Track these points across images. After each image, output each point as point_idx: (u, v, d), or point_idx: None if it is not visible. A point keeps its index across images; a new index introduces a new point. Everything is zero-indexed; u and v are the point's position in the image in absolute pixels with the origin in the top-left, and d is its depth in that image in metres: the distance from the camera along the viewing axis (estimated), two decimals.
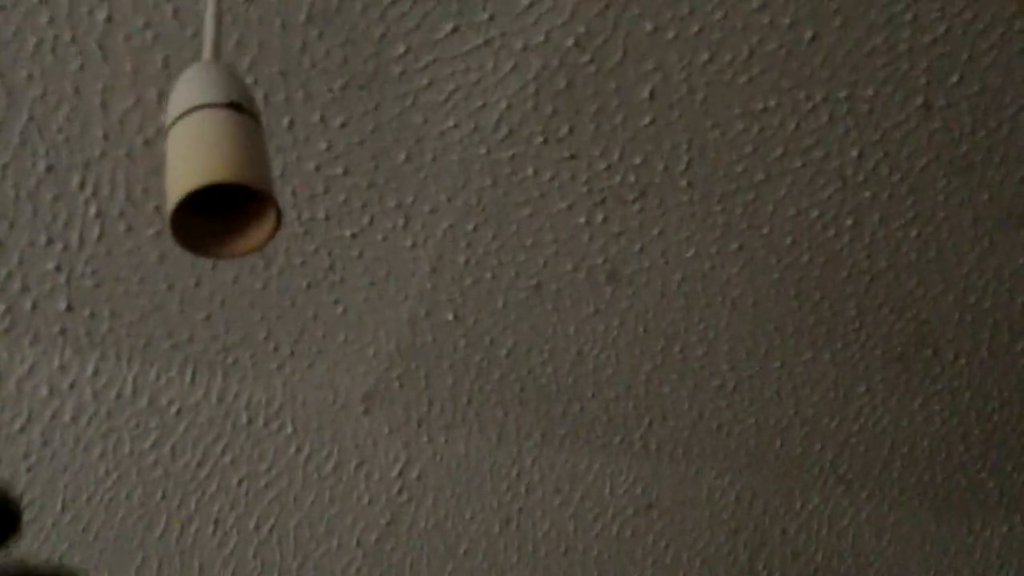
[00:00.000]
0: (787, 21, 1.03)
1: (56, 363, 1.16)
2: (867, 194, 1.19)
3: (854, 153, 1.15)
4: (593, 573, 1.44)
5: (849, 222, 1.21)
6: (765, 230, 1.20)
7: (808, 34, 1.04)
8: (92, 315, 1.13)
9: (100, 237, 1.07)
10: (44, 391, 1.17)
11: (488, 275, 1.19)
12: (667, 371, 1.32)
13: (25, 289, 1.10)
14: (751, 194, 1.17)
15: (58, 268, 1.09)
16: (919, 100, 1.11)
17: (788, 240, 1.22)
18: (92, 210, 1.05)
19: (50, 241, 1.06)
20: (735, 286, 1.25)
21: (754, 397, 1.37)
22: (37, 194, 1.03)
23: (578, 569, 1.43)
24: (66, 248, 1.07)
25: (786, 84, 1.08)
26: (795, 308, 1.29)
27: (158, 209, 1.06)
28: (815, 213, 1.20)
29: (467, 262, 1.18)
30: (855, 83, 1.09)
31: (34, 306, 1.11)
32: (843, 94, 1.10)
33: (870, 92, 1.10)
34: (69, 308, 1.12)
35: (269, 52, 0.98)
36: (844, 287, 1.27)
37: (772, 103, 1.09)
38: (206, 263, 1.10)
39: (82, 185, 1.03)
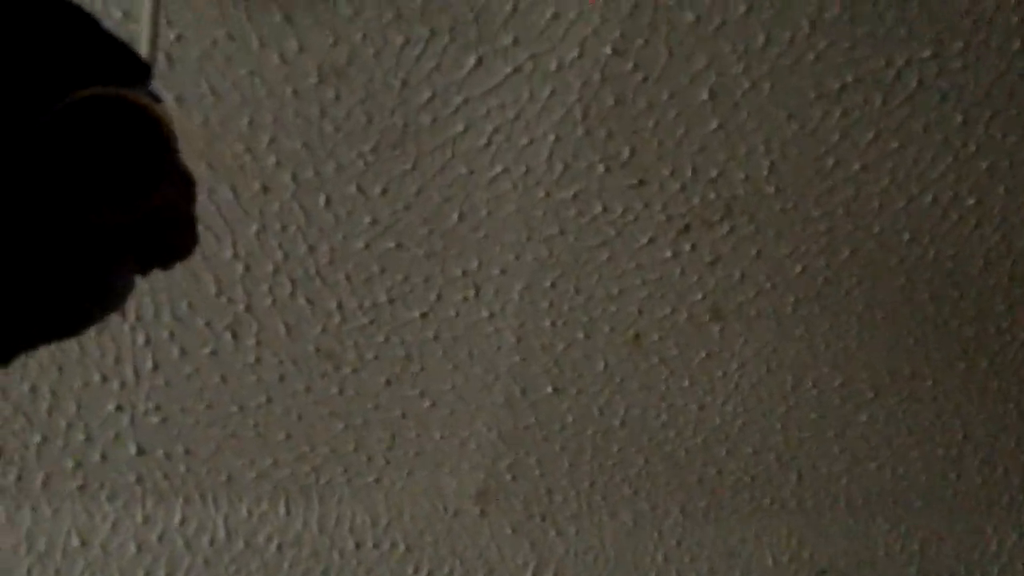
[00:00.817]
0: None
1: (139, 516, 1.08)
2: (983, 165, 1.05)
3: (958, 119, 1.02)
4: None
5: (971, 201, 1.07)
6: (876, 228, 1.07)
7: None
8: (166, 455, 1.05)
9: (155, 367, 1.00)
10: (132, 549, 1.09)
11: (580, 335, 1.07)
12: (804, 411, 1.17)
13: (90, 439, 1.02)
14: (851, 189, 1.04)
15: (119, 408, 1.01)
16: (1017, 42, 0.98)
17: (905, 235, 1.08)
18: (140, 338, 0.98)
19: (104, 379, 0.99)
20: (857, 299, 1.11)
21: (911, 426, 1.21)
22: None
23: None
24: (123, 385, 1.00)
25: (861, 54, 0.96)
26: (933, 313, 1.14)
27: (209, 325, 0.98)
28: (928, 198, 1.06)
29: (554, 324, 1.07)
30: (939, 38, 0.97)
31: (103, 456, 1.04)
32: (928, 53, 0.97)
33: (959, 45, 0.97)
34: (140, 452, 1.04)
35: (287, 126, 0.90)
36: (985, 278, 1.12)
37: (849, 79, 0.98)
38: (272, 375, 1.02)
39: (124, 312, 0.96)
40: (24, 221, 0.41)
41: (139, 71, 0.47)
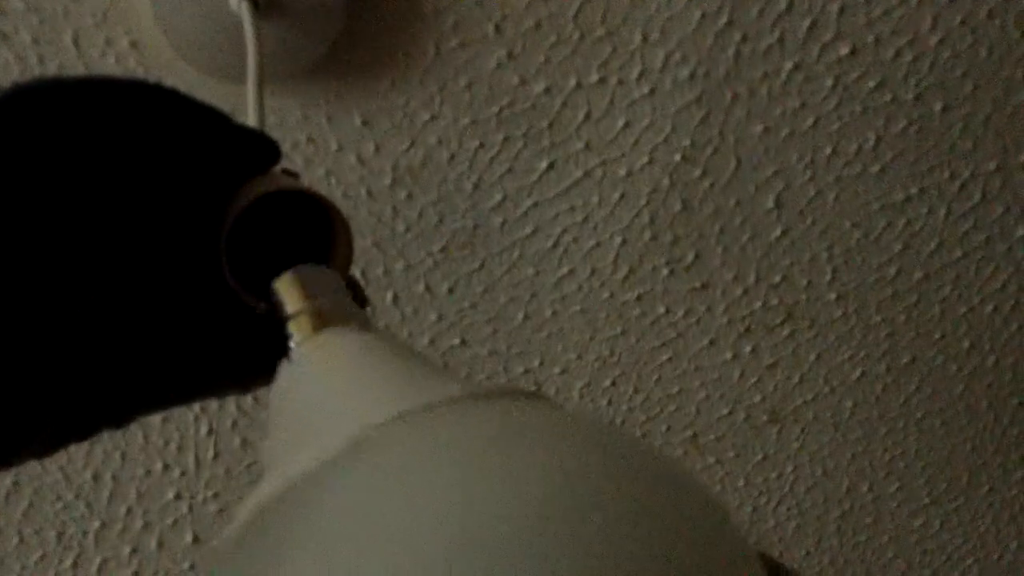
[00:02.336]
0: (911, 96, 0.93)
1: None
2: None
3: (1020, 232, 1.02)
4: None
5: None
6: (937, 335, 1.07)
7: (938, 106, 0.94)
8: None
9: (216, 456, 1.00)
10: None
11: (638, 433, 1.07)
12: (860, 516, 1.16)
13: (147, 525, 1.03)
14: (913, 297, 1.04)
15: (178, 496, 1.02)
16: None
17: (966, 343, 1.08)
18: (204, 428, 0.99)
19: (166, 468, 1.00)
20: (917, 406, 1.11)
21: (967, 533, 1.20)
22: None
23: None
24: (183, 474, 1.01)
25: (925, 166, 0.97)
26: (992, 421, 1.13)
27: None
28: (990, 307, 1.06)
29: (612, 423, 1.07)
30: (1003, 151, 0.97)
31: (160, 543, 1.04)
32: (992, 166, 0.98)
33: (1023, 158, 0.98)
34: (196, 540, 1.04)
35: (359, 224, 0.92)
36: None
37: (914, 190, 0.98)
38: None
39: None
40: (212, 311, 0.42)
41: (273, 155, 0.48)
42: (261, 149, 0.47)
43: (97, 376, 0.41)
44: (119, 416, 0.44)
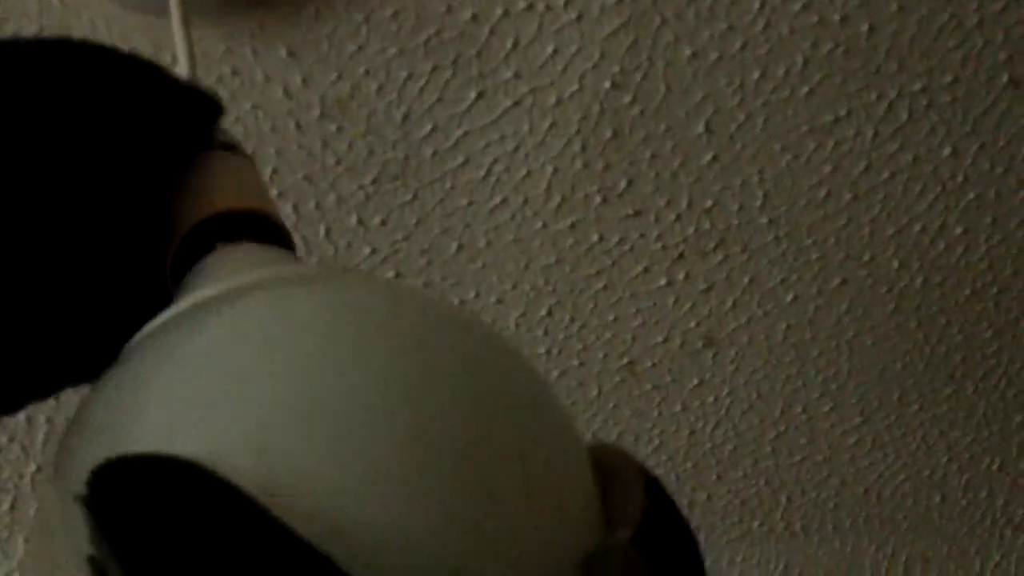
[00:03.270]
0: (837, 17, 0.93)
1: None
2: (971, 195, 1.07)
3: (946, 151, 1.04)
4: None
5: (959, 230, 1.09)
6: (866, 257, 1.08)
7: (864, 27, 0.95)
8: None
9: None
10: None
11: (575, 362, 1.08)
12: (794, 437, 1.19)
13: None
14: (842, 219, 1.05)
15: None
16: (1004, 78, 1.00)
17: (895, 263, 1.10)
18: None
19: None
20: (848, 327, 1.13)
21: (898, 450, 1.23)
22: None
23: None
24: None
25: (852, 88, 0.98)
26: (921, 340, 1.15)
27: None
28: (918, 227, 1.08)
29: (549, 352, 1.08)
30: (929, 72, 0.98)
31: None
32: (918, 86, 0.99)
33: (948, 79, 0.99)
34: None
35: (289, 158, 0.91)
36: (972, 305, 1.14)
37: (842, 112, 0.99)
38: None
39: None
40: None
41: (215, 112, 0.46)
42: (204, 106, 0.45)
43: (26, 347, 0.41)
44: (48, 387, 0.43)
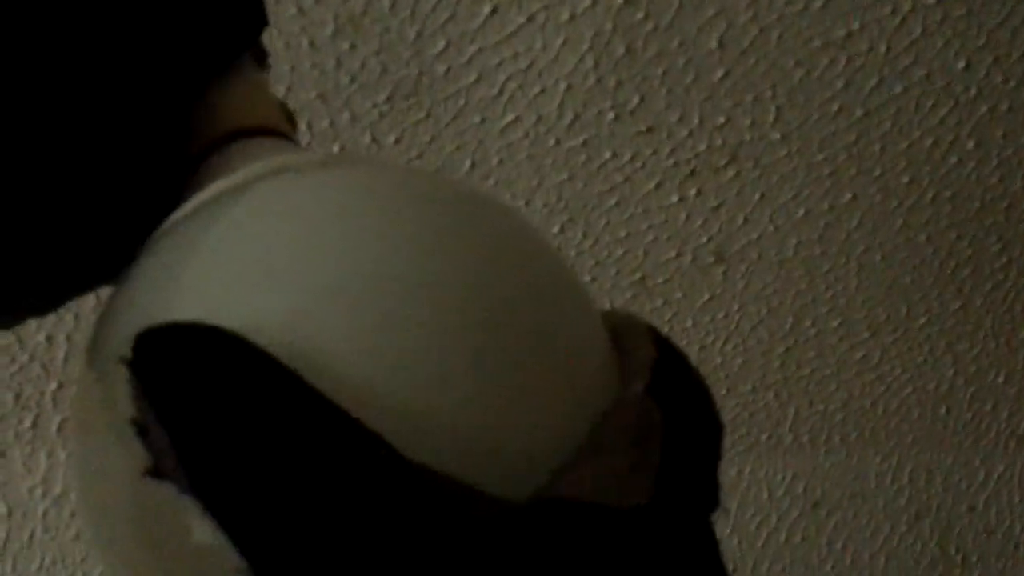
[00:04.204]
0: None
1: None
2: (984, 109, 1.07)
3: (960, 65, 1.03)
4: None
5: (970, 144, 1.09)
6: (877, 172, 1.09)
7: None
8: None
9: None
10: None
11: (587, 278, 1.09)
12: (803, 351, 1.20)
13: None
14: (853, 134, 1.06)
15: None
16: None
17: (906, 178, 1.10)
18: None
19: None
20: (857, 242, 1.13)
21: (905, 363, 1.24)
22: None
23: None
24: None
25: (866, 1, 0.97)
26: (930, 254, 1.16)
27: None
28: (929, 142, 1.08)
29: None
30: None
31: None
32: (932, 0, 0.99)
33: None
34: None
35: (303, 77, 0.91)
36: (980, 219, 1.15)
37: (855, 26, 0.99)
38: None
39: None
40: None
41: (261, 23, 0.46)
42: (251, 16, 0.45)
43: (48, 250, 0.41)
44: (66, 290, 0.43)
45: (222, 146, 0.44)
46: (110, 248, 0.42)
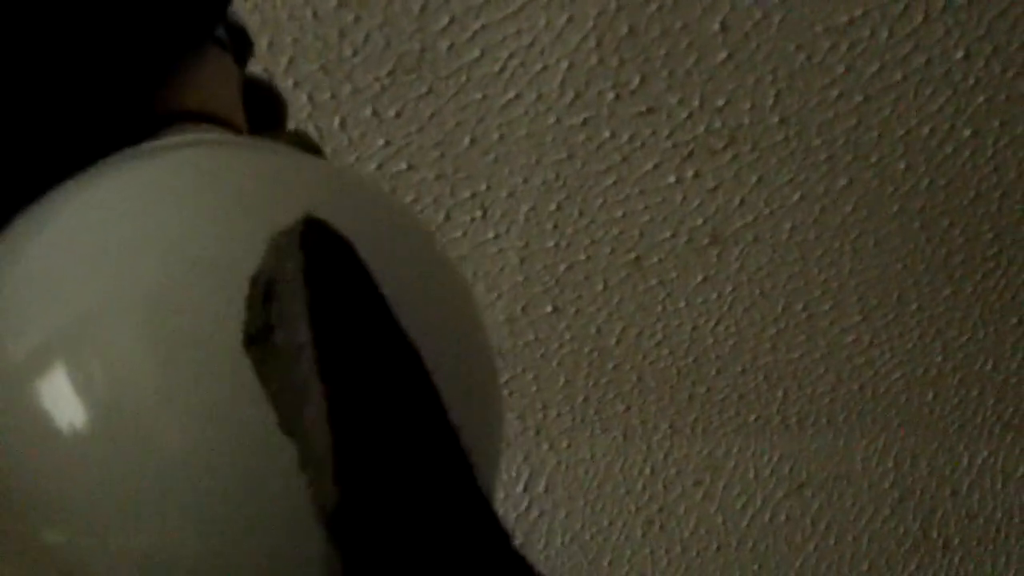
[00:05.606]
0: None
1: None
2: (981, 99, 1.07)
3: (959, 54, 1.04)
4: (752, 567, 1.33)
5: (967, 133, 1.09)
6: (874, 158, 1.09)
7: None
8: None
9: None
10: None
11: (582, 256, 1.10)
12: (794, 334, 1.21)
13: None
14: (852, 119, 1.06)
15: None
16: None
17: (902, 165, 1.10)
18: None
19: None
20: (852, 227, 1.14)
21: (895, 348, 1.25)
22: None
23: (734, 565, 1.32)
24: None
25: None
26: (923, 241, 1.17)
27: None
28: (926, 130, 1.08)
29: (557, 246, 1.09)
30: None
31: None
32: None
33: None
34: None
35: (306, 49, 0.91)
36: (974, 208, 1.15)
37: (857, 12, 0.99)
38: None
39: None
40: None
41: (216, 18, 0.46)
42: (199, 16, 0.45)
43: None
44: None
45: (162, 127, 0.44)
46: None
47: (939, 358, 1.27)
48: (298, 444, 0.30)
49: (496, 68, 0.95)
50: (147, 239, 0.35)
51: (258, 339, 0.32)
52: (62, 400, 0.33)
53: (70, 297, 0.35)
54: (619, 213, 1.07)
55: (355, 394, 0.31)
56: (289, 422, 0.31)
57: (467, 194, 1.03)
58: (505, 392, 1.18)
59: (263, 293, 0.32)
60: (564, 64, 0.96)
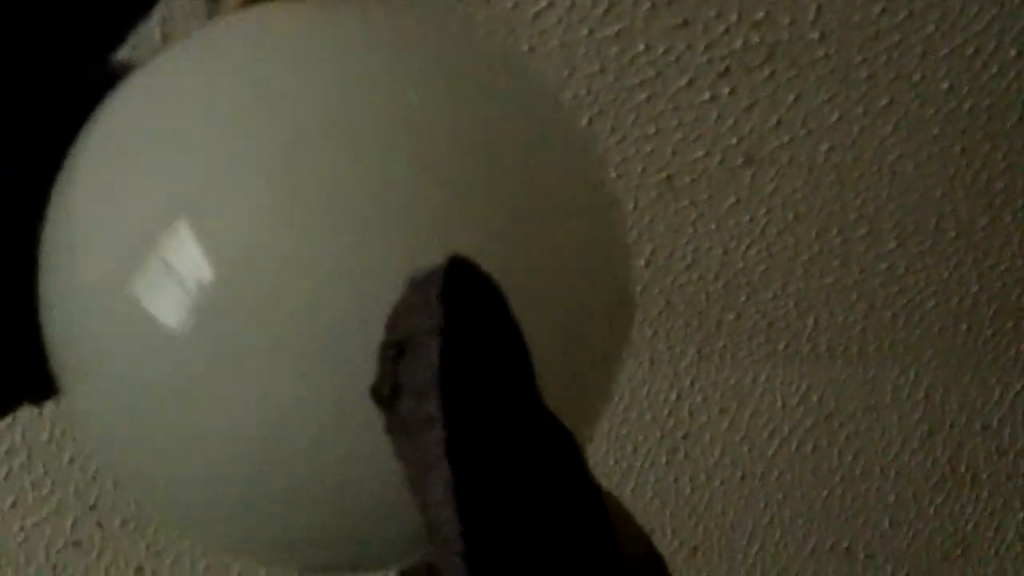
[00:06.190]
0: None
1: None
2: None
3: None
4: (777, 496, 1.31)
5: (1013, 52, 1.05)
6: (916, 77, 1.06)
7: None
8: None
9: None
10: None
11: (613, 175, 1.07)
12: (827, 260, 1.18)
13: None
14: (895, 36, 1.02)
15: None
16: None
17: (944, 85, 1.07)
18: None
19: None
20: (891, 149, 1.11)
21: (930, 277, 1.22)
22: None
23: (760, 494, 1.30)
24: None
25: None
26: (963, 166, 1.14)
27: None
28: (971, 49, 1.05)
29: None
30: None
31: None
32: None
33: None
34: None
35: None
36: (1018, 132, 1.12)
37: None
38: None
39: None
40: None
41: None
42: None
43: None
44: None
45: None
46: None
47: (975, 288, 1.24)
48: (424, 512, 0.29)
49: None
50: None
51: (385, 403, 0.29)
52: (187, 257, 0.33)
53: (200, 154, 0.34)
54: (651, 130, 1.04)
55: (487, 487, 0.28)
56: (416, 484, 0.29)
57: None
58: None
59: (396, 346, 0.29)
60: None
